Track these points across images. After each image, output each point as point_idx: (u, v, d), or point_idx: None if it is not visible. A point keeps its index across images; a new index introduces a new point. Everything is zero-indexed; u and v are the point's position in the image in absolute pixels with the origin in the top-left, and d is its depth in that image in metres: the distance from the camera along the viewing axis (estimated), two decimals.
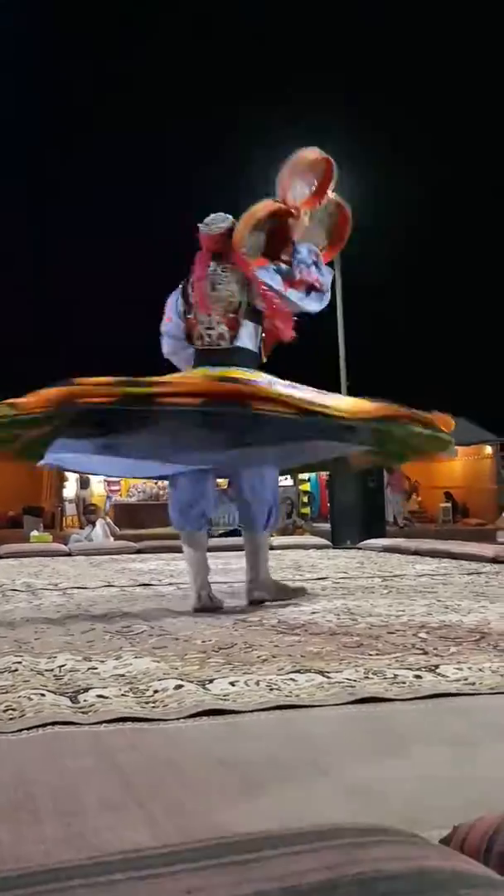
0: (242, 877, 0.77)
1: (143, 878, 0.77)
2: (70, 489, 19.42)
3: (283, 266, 3.93)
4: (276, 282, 3.87)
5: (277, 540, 9.10)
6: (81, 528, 11.05)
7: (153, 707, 1.91)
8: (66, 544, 8.41)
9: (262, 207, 3.92)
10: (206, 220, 3.95)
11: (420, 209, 25.90)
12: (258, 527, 3.89)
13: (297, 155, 4.00)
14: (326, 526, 9.99)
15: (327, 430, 3.60)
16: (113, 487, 19.72)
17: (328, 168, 4.05)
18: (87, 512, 10.15)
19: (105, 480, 19.73)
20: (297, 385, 3.56)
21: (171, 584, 4.88)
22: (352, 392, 14.28)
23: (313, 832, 0.92)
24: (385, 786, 1.40)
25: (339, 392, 14.04)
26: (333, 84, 27.68)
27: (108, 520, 10.46)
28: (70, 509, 18.77)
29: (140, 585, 4.81)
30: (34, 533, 9.64)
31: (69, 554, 7.75)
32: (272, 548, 8.30)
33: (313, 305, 3.99)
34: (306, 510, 19.61)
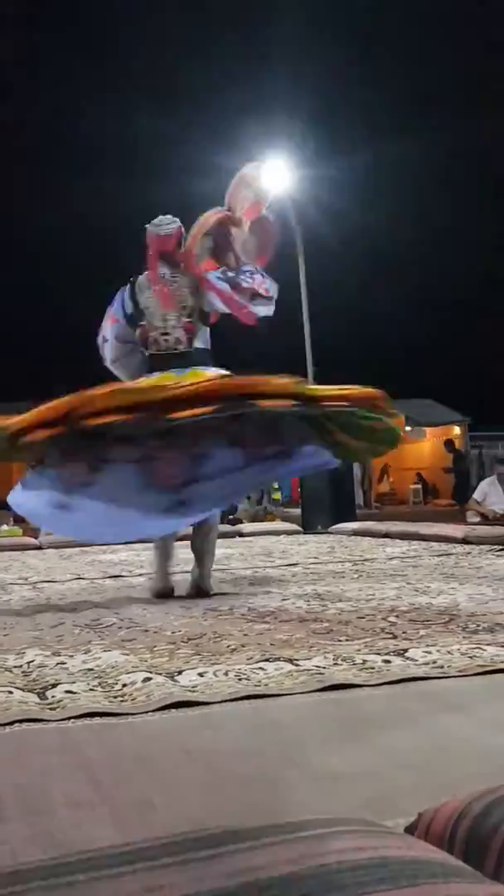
0: (202, 873, 0.77)
1: (102, 879, 0.77)
2: None
3: (229, 272, 3.96)
4: (224, 286, 3.90)
5: (248, 527, 9.11)
6: None
7: (122, 701, 1.90)
8: (36, 537, 8.35)
9: (213, 214, 3.98)
10: (155, 220, 3.99)
11: (379, 189, 25.94)
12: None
13: (245, 169, 4.12)
14: (297, 511, 10.01)
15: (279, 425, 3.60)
16: None
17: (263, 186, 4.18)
18: None
19: None
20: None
21: (141, 574, 4.86)
22: (319, 379, 14.30)
23: (275, 826, 0.91)
24: (353, 773, 1.40)
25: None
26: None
27: None
28: None
29: (110, 577, 4.79)
30: (3, 527, 9.55)
31: (39, 547, 7.70)
32: (242, 535, 8.35)
33: (259, 310, 4.01)
34: (277, 495, 19.65)
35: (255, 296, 3.95)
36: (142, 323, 3.93)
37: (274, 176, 13.53)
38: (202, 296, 3.92)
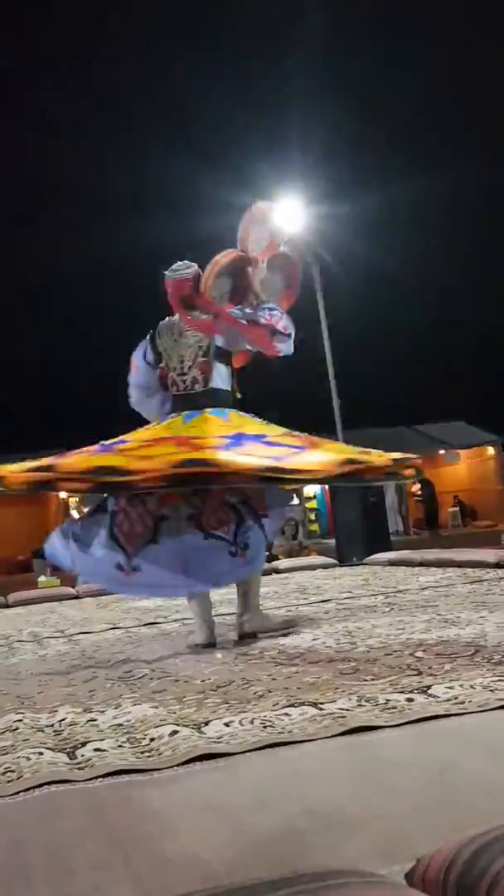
0: None
1: None
2: None
3: (248, 310, 4.04)
4: (243, 320, 4.00)
5: (285, 563, 9.13)
6: None
7: (148, 756, 1.95)
8: (73, 586, 8.44)
9: (225, 255, 4.06)
10: (172, 267, 4.06)
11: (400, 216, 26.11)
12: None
13: (254, 208, 4.20)
14: (333, 541, 10.00)
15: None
16: None
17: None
18: None
19: None
20: (267, 440, 3.64)
21: (176, 620, 4.91)
22: (346, 409, 14.35)
23: (274, 880, 0.96)
24: (368, 818, 1.44)
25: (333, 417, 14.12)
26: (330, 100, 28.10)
27: None
28: None
29: (145, 625, 4.84)
30: (42, 578, 9.66)
31: (77, 596, 7.78)
32: (278, 571, 8.37)
33: (279, 347, 4.08)
34: (315, 527, 19.64)
35: (274, 332, 4.03)
36: (161, 366, 4.02)
37: (288, 214, 13.75)
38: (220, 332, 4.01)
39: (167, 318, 4.12)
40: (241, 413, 3.86)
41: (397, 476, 3.81)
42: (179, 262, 4.09)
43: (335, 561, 8.95)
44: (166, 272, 4.07)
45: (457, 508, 21.57)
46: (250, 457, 3.39)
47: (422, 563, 7.28)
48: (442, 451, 22.20)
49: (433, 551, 8.05)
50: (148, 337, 4.12)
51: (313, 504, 20.03)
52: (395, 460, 3.64)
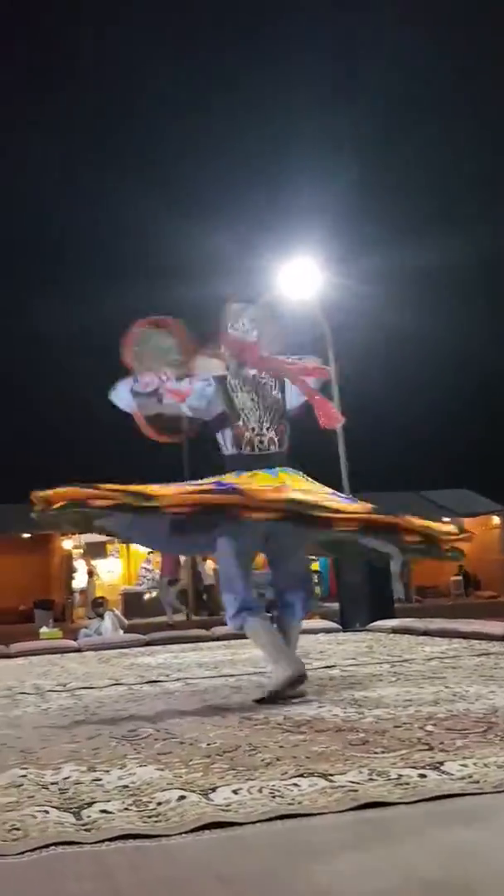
0: None
1: None
2: (79, 580, 19.39)
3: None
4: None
5: None
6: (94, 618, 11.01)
7: (155, 822, 1.91)
8: (75, 639, 8.38)
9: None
10: (236, 325, 4.11)
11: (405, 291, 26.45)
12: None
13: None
14: (335, 605, 9.92)
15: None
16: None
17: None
18: (95, 605, 10.14)
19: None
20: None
21: (178, 679, 4.86)
22: (353, 476, 14.34)
23: None
24: None
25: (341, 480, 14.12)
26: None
27: (117, 611, 10.44)
28: (80, 600, 18.74)
29: (148, 683, 4.78)
30: (43, 629, 9.62)
31: (78, 650, 7.71)
32: None
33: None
34: (317, 590, 19.50)
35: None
36: (237, 424, 3.96)
37: (299, 278, 13.94)
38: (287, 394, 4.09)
39: (240, 374, 4.06)
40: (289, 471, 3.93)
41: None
42: (244, 321, 4.13)
43: (337, 625, 8.86)
44: (231, 330, 4.11)
45: (460, 577, 21.43)
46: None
47: (426, 633, 7.20)
48: (446, 519, 22.12)
49: (438, 620, 7.96)
50: (217, 387, 4.02)
51: (315, 566, 19.90)
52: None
